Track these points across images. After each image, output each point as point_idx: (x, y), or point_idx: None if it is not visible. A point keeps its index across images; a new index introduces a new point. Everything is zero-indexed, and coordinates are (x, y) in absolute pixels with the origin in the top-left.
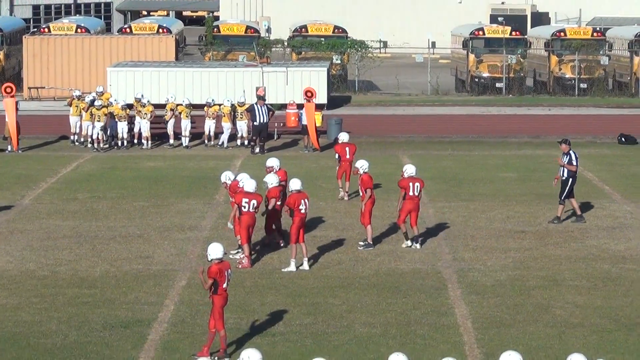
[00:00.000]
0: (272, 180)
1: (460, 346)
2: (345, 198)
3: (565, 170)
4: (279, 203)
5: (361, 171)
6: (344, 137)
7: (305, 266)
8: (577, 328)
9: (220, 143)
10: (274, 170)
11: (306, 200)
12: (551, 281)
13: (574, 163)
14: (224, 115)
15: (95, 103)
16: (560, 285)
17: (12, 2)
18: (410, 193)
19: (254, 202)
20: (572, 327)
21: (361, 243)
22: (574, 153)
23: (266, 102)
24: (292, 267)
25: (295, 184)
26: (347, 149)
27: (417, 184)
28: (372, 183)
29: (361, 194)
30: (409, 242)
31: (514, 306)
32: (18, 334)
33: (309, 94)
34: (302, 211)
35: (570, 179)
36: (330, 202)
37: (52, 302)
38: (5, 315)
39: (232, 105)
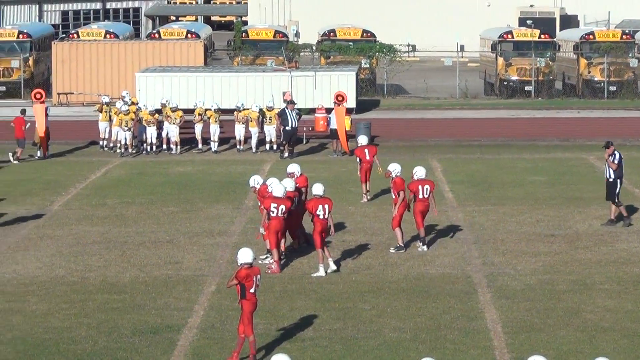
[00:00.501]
0: (287, 184)
1: (491, 351)
2: (364, 200)
3: (612, 171)
4: (293, 208)
5: (393, 174)
6: (362, 140)
7: (333, 266)
8: (607, 332)
9: (251, 148)
10: (294, 177)
11: (327, 205)
12: (581, 285)
13: (615, 162)
14: (252, 120)
15: (122, 108)
16: (591, 289)
17: (40, 8)
18: (420, 196)
19: (282, 207)
20: (603, 331)
21: (392, 249)
22: (619, 153)
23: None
24: (321, 272)
25: (317, 189)
26: (366, 150)
27: (426, 186)
28: (405, 186)
29: (393, 197)
30: (425, 247)
31: (544, 310)
32: (48, 340)
33: (340, 98)
34: (321, 217)
35: (618, 180)
36: (359, 207)
37: (81, 308)
38: (35, 321)
39: (260, 110)
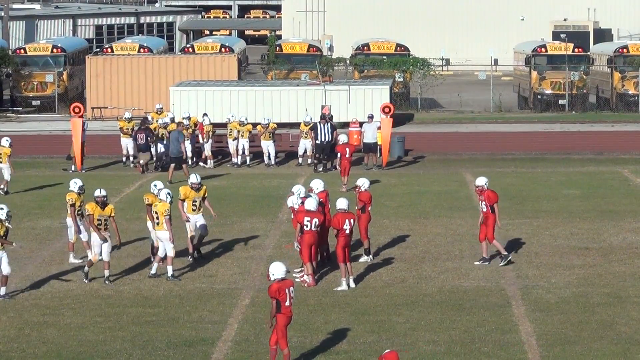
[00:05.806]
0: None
1: None
2: (343, 189)
3: None
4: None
5: (485, 188)
6: (343, 138)
7: (352, 284)
8: None
9: (272, 163)
10: (315, 192)
11: (351, 220)
12: (615, 298)
13: None
14: (264, 134)
15: (160, 122)
16: (625, 301)
17: (75, 23)
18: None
19: (315, 220)
20: (637, 343)
21: (477, 263)
22: None
23: (330, 121)
24: (343, 286)
25: (341, 204)
26: (347, 149)
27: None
28: (498, 199)
29: (484, 209)
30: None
31: (579, 323)
32: (82, 353)
33: (387, 110)
34: (347, 231)
35: None
36: (393, 220)
37: (116, 321)
38: (70, 334)
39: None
